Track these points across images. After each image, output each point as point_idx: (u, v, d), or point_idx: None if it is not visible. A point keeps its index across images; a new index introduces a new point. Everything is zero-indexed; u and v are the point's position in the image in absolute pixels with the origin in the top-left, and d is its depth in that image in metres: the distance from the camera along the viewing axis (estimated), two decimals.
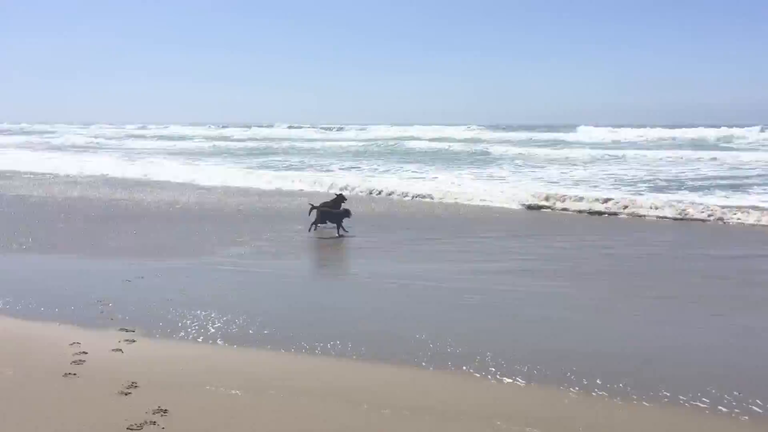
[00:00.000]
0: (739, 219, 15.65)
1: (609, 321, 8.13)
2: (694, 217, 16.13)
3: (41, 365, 6.35)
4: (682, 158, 34.53)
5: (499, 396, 5.86)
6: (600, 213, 17.42)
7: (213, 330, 7.57)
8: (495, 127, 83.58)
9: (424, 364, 6.60)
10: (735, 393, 5.82)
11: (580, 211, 17.73)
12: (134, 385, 5.88)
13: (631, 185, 23.18)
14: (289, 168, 33.09)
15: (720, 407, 5.59)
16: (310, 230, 14.15)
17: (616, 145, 51.06)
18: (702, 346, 7.18)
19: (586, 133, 64.40)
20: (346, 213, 14.26)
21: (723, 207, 16.56)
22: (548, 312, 8.42)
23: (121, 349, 6.86)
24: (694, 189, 21.80)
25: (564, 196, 19.04)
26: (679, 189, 22.05)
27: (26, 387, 5.84)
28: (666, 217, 16.38)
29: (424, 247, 12.97)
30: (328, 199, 15.52)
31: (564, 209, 18.16)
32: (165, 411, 5.34)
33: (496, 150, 42.46)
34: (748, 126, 59.08)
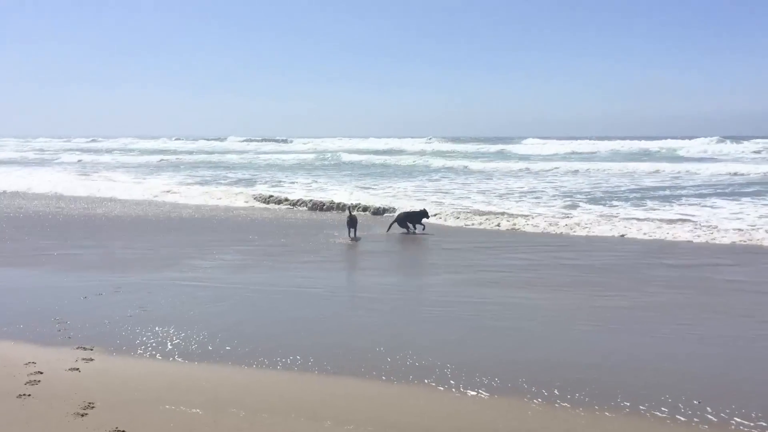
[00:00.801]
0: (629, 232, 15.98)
1: (570, 331, 8.19)
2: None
3: None
4: (613, 170, 36.12)
5: (463, 409, 5.85)
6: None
7: (173, 347, 7.44)
8: (456, 139, 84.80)
9: (387, 378, 6.57)
10: (694, 402, 5.91)
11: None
12: (91, 405, 5.73)
13: (563, 197, 23.54)
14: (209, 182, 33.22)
15: (678, 416, 5.67)
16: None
17: (567, 157, 53.10)
18: (662, 355, 7.28)
19: (531, 146, 66.76)
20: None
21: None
22: (511, 323, 8.47)
23: (78, 368, 6.69)
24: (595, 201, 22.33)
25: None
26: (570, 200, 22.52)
27: None
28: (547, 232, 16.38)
29: (383, 260, 12.98)
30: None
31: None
32: None
33: (436, 162, 44.38)
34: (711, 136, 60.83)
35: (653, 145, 60.91)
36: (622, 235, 15.39)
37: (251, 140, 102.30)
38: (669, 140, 64.53)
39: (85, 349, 7.31)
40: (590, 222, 16.86)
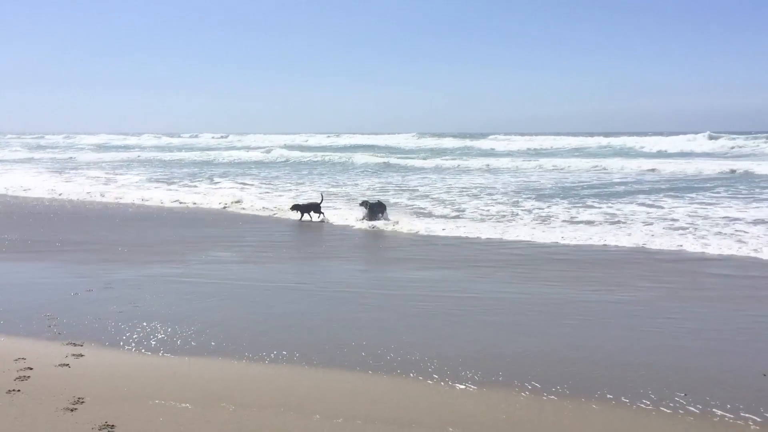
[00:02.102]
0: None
1: (558, 325, 8.25)
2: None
3: None
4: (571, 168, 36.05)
5: (452, 402, 5.90)
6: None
7: (162, 343, 7.46)
8: (442, 135, 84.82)
9: (376, 372, 6.61)
10: (680, 394, 5.99)
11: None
12: (80, 400, 5.75)
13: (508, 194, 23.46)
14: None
15: (663, 408, 5.74)
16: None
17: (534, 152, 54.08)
18: (648, 348, 7.34)
19: (498, 142, 68.17)
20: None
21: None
22: (500, 317, 8.53)
23: (68, 364, 6.70)
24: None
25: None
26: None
27: None
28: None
29: (373, 255, 13.01)
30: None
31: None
32: (112, 426, 5.24)
33: (400, 162, 43.39)
34: (698, 133, 60.39)
35: (632, 142, 59.69)
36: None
37: (197, 135, 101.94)
38: (649, 137, 63.76)
39: (75, 344, 7.32)
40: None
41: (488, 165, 39.39)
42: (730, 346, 7.43)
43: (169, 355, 7.10)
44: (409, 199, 22.36)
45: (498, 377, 6.44)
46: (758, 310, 8.87)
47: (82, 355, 6.99)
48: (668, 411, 5.69)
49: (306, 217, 18.26)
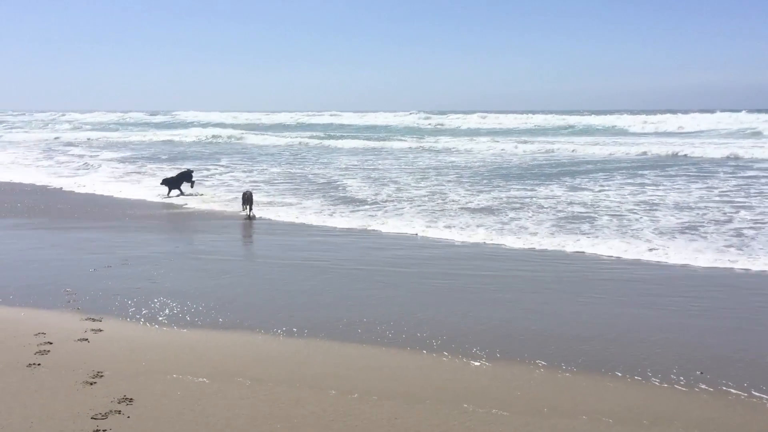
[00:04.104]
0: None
1: (575, 304, 8.23)
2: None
3: (4, 356, 6.26)
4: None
5: (466, 378, 5.93)
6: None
7: (179, 318, 7.54)
8: (441, 113, 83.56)
9: (390, 348, 6.65)
10: (697, 372, 5.97)
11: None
12: (99, 374, 5.83)
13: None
14: None
15: (677, 386, 5.74)
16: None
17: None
18: (663, 326, 7.32)
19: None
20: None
21: None
22: (514, 295, 8.53)
23: (87, 339, 6.79)
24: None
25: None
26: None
27: None
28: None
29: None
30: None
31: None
32: (130, 400, 5.32)
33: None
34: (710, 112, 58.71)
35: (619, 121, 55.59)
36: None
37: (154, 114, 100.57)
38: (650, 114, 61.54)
39: (94, 320, 7.41)
40: None
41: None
42: (745, 325, 7.38)
43: (185, 330, 7.17)
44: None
45: (512, 354, 6.45)
46: None
47: (101, 330, 7.08)
48: (683, 389, 5.68)
49: (174, 192, 17.96)
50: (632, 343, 6.77)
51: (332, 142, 41.81)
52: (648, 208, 14.85)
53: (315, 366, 6.19)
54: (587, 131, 50.17)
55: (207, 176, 22.94)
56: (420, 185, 19.72)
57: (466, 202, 16.13)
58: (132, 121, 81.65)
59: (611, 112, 66.18)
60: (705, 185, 18.47)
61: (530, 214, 14.28)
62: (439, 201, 16.49)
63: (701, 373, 5.95)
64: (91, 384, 5.64)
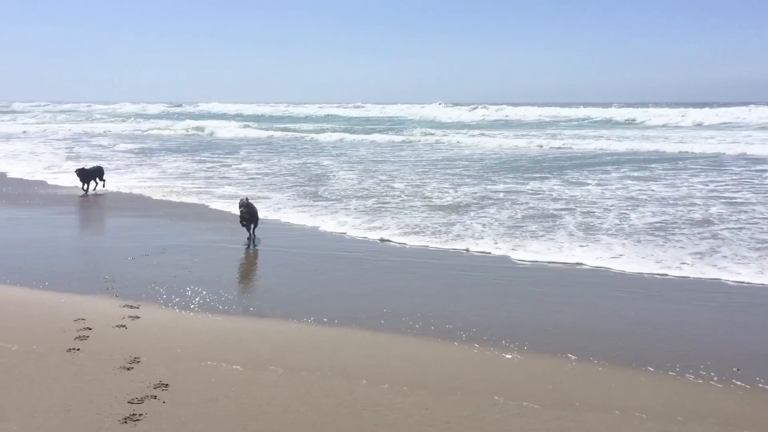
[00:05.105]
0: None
1: (608, 298, 8.16)
2: None
3: (45, 341, 6.44)
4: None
5: (498, 371, 5.92)
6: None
7: (214, 306, 7.66)
8: (460, 105, 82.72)
9: (421, 339, 6.67)
10: (733, 369, 5.88)
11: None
12: (137, 360, 5.97)
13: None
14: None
15: (712, 382, 5.66)
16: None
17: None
18: (698, 322, 7.21)
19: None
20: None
21: None
22: (546, 288, 8.48)
23: (124, 325, 6.95)
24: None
25: None
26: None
27: (30, 362, 5.92)
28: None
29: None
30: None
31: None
32: (166, 385, 5.43)
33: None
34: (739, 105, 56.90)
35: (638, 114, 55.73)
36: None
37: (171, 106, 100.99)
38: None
39: (131, 307, 7.58)
40: None
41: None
42: None
43: (220, 318, 7.29)
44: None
45: (543, 347, 6.42)
46: None
47: (138, 317, 7.23)
48: (718, 385, 5.60)
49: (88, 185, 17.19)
50: (665, 338, 6.70)
51: (354, 137, 40.65)
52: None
53: (346, 356, 6.24)
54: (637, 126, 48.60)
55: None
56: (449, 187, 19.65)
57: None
58: (158, 113, 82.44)
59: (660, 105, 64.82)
60: None
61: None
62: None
63: (738, 369, 5.86)
64: (128, 369, 5.77)
